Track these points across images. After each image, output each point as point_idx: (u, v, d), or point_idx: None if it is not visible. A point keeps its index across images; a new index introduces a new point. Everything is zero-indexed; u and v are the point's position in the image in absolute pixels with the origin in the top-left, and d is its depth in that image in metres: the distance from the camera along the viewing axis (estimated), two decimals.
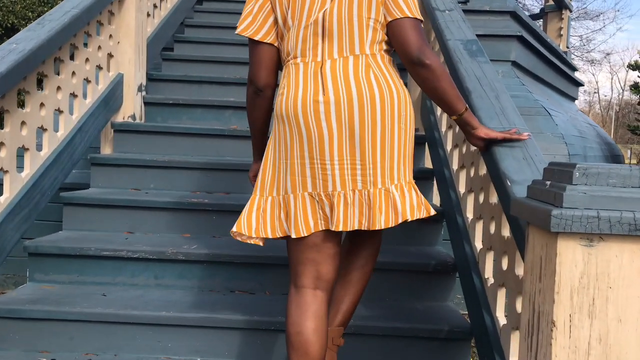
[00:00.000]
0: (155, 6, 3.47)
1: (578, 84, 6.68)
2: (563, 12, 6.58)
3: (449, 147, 2.32)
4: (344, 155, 1.38)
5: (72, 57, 2.49)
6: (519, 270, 1.43)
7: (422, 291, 2.06)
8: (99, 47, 2.69)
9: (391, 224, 1.40)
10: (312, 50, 1.43)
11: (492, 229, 1.66)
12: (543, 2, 6.60)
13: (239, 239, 1.51)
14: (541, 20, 6.55)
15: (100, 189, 2.58)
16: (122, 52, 2.93)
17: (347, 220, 1.39)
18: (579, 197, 0.98)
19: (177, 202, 2.34)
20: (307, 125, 1.39)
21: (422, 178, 2.58)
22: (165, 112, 3.12)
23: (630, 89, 8.26)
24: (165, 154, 2.84)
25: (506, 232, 1.57)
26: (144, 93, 3.11)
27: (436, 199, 2.59)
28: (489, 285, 1.66)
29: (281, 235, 1.46)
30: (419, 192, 1.47)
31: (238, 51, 3.82)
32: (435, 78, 1.41)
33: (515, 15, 4.49)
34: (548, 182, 1.07)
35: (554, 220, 0.97)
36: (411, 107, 1.46)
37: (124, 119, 2.96)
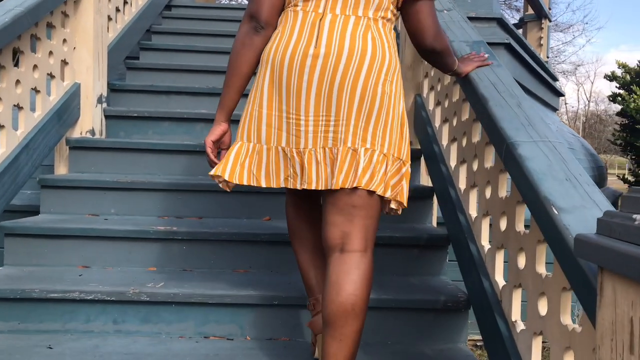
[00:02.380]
0: (117, 10, 3.14)
1: (559, 94, 6.56)
2: (543, 21, 6.47)
3: (453, 162, 2.04)
4: (320, 112, 1.34)
5: (16, 64, 2.15)
6: (566, 319, 1.15)
7: (430, 332, 1.77)
8: (50, 53, 2.35)
9: (348, 185, 1.32)
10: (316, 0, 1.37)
11: (521, 263, 1.38)
12: (522, 11, 6.48)
13: (215, 180, 1.48)
14: (520, 29, 6.43)
15: (52, 215, 2.23)
16: (79, 59, 2.59)
17: (317, 179, 1.35)
18: None
19: (142, 231, 2.01)
20: (288, 76, 1.36)
21: (418, 197, 2.30)
22: (129, 126, 2.79)
23: (609, 99, 8.21)
24: (128, 173, 2.50)
25: (541, 269, 1.29)
26: (104, 105, 2.78)
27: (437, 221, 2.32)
28: (518, 331, 1.38)
29: (254, 184, 1.45)
30: (403, 176, 1.39)
31: (210, 59, 3.51)
32: (441, 57, 1.54)
33: (501, 22, 4.29)
34: (637, 216, 0.79)
35: None
36: (401, 80, 1.42)
37: (81, 134, 2.62)
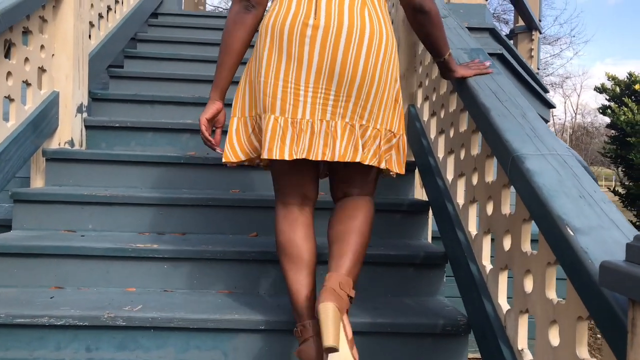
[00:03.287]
0: (101, 16, 3.03)
1: (550, 105, 6.52)
2: (533, 33, 6.46)
3: (450, 176, 1.94)
4: (320, 84, 1.37)
5: None
6: (582, 352, 1.05)
7: (429, 358, 1.66)
8: (27, 60, 2.23)
9: (348, 159, 1.40)
10: None
11: (529, 286, 1.27)
12: (512, 23, 6.46)
13: (228, 164, 1.52)
14: (511, 41, 6.40)
15: (25, 231, 2.10)
16: (58, 67, 2.47)
17: (311, 149, 1.39)
18: None
19: (120, 248, 1.88)
20: (289, 45, 1.38)
21: (413, 212, 2.19)
22: (111, 137, 2.66)
23: (598, 111, 8.19)
24: (108, 186, 2.38)
25: (552, 294, 1.18)
26: (85, 115, 2.65)
27: (436, 238, 2.21)
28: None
29: (255, 156, 1.48)
30: (393, 147, 1.49)
31: (197, 68, 3.40)
32: (432, 24, 1.50)
33: (494, 33, 4.24)
34: None
35: None
36: (397, 57, 1.47)
37: (59, 145, 2.49)
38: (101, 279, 1.88)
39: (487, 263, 1.57)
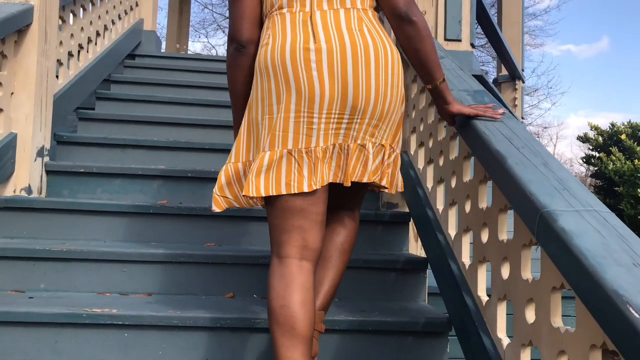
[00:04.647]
0: (71, 54, 2.83)
1: None
2: (517, 82, 6.44)
3: (452, 231, 1.73)
4: (333, 108, 1.31)
5: None
6: None
7: None
8: None
9: (356, 178, 1.37)
10: (300, 0, 1.35)
11: None
12: (496, 72, 6.45)
13: (217, 210, 1.41)
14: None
15: None
16: (17, 106, 2.25)
17: (324, 174, 1.33)
18: None
19: (73, 314, 1.62)
20: (296, 75, 1.30)
21: (409, 270, 1.97)
22: (75, 184, 2.41)
23: (583, 160, 8.18)
24: (68, 239, 2.12)
25: None
26: (46, 159, 2.41)
27: (435, 301, 1.98)
28: None
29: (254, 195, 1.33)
30: (390, 164, 1.44)
31: (172, 110, 3.20)
32: (420, 38, 1.37)
33: (482, 80, 4.14)
34: None
35: None
36: (402, 68, 1.41)
37: (14, 192, 2.24)
38: (47, 352, 1.60)
39: (503, 335, 1.34)
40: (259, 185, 1.30)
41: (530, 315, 1.20)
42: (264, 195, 1.30)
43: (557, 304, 1.10)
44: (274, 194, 1.30)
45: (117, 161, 2.66)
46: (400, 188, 1.51)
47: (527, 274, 1.23)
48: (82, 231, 2.15)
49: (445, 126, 1.87)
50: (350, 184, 1.36)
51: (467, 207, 1.60)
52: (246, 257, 1.93)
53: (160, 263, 1.91)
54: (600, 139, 8.18)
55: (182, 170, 2.41)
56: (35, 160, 2.31)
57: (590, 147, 8.36)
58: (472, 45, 3.56)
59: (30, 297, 1.78)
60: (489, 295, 1.44)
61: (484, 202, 1.52)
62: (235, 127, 1.50)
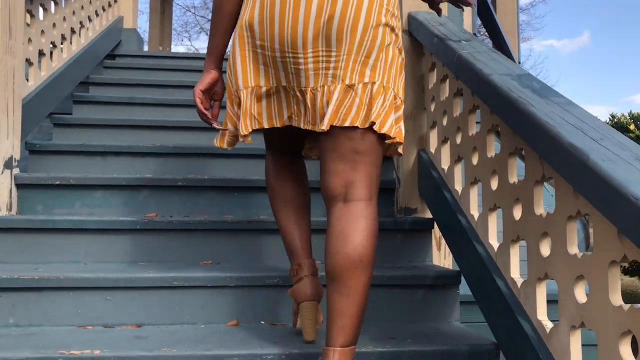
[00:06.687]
0: (42, 53, 2.53)
1: None
2: None
3: (494, 241, 1.48)
4: (319, 46, 1.23)
5: None
6: None
7: None
8: None
9: (348, 123, 1.23)
10: None
11: None
12: None
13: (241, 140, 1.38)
14: None
15: None
16: None
17: (320, 119, 1.25)
18: None
19: (45, 358, 1.33)
20: (282, 9, 1.24)
21: (440, 285, 1.71)
22: (50, 198, 2.12)
23: None
24: (43, 263, 1.84)
25: None
26: (17, 171, 2.12)
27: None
28: None
29: (257, 127, 1.35)
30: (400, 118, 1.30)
31: (158, 113, 2.92)
32: None
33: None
34: None
35: None
36: (399, 11, 1.34)
37: None
38: None
39: None
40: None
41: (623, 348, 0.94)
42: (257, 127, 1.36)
43: None
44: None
45: (98, 171, 2.37)
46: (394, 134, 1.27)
47: (617, 298, 0.97)
48: (58, 253, 1.87)
49: (477, 121, 1.62)
50: (335, 123, 1.23)
51: (517, 214, 1.34)
52: (250, 277, 1.66)
53: (150, 289, 1.63)
54: None
55: (172, 179, 2.13)
56: (3, 172, 2.02)
57: None
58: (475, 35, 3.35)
59: None
60: (552, 321, 1.19)
61: (541, 207, 1.26)
62: (210, 51, 1.40)
